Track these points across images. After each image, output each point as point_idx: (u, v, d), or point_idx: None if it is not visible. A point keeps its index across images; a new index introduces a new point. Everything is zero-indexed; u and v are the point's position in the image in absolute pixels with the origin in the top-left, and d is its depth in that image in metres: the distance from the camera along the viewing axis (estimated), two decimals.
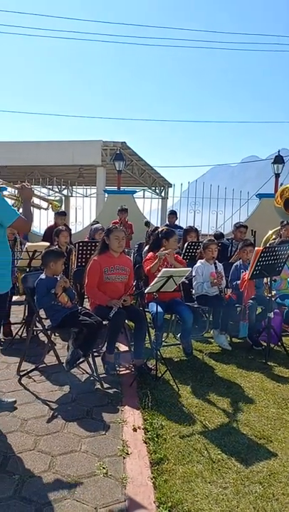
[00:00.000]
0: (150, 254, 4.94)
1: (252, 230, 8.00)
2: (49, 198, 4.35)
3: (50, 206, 4.05)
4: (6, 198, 3.33)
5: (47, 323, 4.10)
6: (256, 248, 4.98)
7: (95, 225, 7.12)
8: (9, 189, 4.00)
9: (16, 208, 3.46)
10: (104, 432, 3.08)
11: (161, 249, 4.85)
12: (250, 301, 5.07)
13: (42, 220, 11.27)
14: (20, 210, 3.38)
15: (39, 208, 3.88)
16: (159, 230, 5.24)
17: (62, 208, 6.98)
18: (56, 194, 20.36)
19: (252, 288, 5.18)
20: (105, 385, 3.90)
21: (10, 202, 3.52)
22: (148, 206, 15.93)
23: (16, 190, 3.55)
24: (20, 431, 3.05)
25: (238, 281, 5.33)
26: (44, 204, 4.00)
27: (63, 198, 19.81)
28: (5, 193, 3.92)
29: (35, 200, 3.56)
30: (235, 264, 5.62)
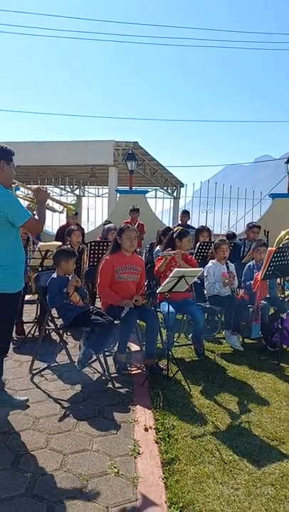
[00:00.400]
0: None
1: (265, 230, 7.95)
2: (65, 201, 4.36)
3: (64, 210, 4.06)
4: (19, 199, 3.37)
5: (59, 322, 4.12)
6: (269, 248, 4.94)
7: (108, 225, 7.13)
8: (22, 189, 4.02)
9: (29, 209, 3.49)
10: (115, 432, 3.08)
11: (167, 250, 4.87)
12: (263, 301, 5.04)
13: (54, 219, 11.34)
14: (34, 212, 3.40)
15: (54, 210, 3.91)
16: (174, 230, 5.24)
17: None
18: (69, 194, 20.44)
19: (265, 288, 5.14)
20: (117, 385, 3.91)
21: (23, 203, 3.56)
22: (160, 206, 15.94)
23: (30, 192, 3.58)
24: (32, 429, 3.07)
25: (251, 282, 5.30)
26: (58, 207, 4.03)
27: (77, 200, 19.89)
28: (19, 193, 3.95)
29: (50, 203, 3.57)
30: (248, 264, 5.59)
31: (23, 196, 3.78)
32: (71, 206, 4.05)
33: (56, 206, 3.91)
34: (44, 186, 3.45)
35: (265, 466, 2.72)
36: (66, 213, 6.25)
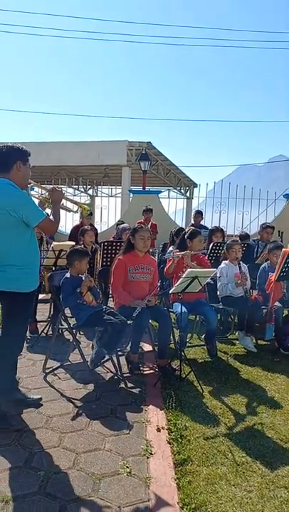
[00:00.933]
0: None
1: (279, 231, 7.88)
2: (79, 202, 4.38)
3: (79, 210, 4.07)
4: (34, 199, 3.38)
5: (72, 321, 4.14)
6: (283, 250, 4.90)
7: (123, 225, 7.15)
8: (36, 189, 4.05)
9: (45, 208, 3.50)
10: (128, 431, 3.09)
11: (175, 251, 4.88)
12: (277, 303, 5.00)
13: (68, 219, 11.41)
14: (49, 211, 3.42)
15: (69, 210, 3.93)
16: (186, 230, 5.23)
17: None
18: (82, 194, 20.49)
19: (279, 290, 5.10)
20: (129, 385, 3.91)
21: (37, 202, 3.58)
22: (173, 206, 15.94)
23: (46, 192, 3.60)
24: (45, 427, 3.09)
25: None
26: (72, 207, 4.03)
27: (91, 200, 19.95)
28: (33, 193, 3.97)
29: (65, 203, 3.58)
30: (262, 266, 5.54)
31: (38, 196, 3.79)
32: (85, 206, 4.04)
33: (71, 206, 3.92)
34: (59, 186, 3.46)
35: (278, 469, 2.70)
36: (81, 213, 6.28)
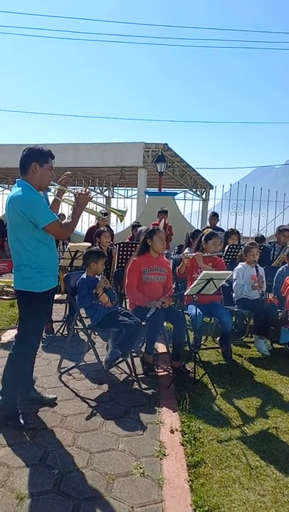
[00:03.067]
0: None
1: None
2: (111, 207, 4.09)
3: (109, 215, 3.88)
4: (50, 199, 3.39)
5: (87, 322, 4.17)
6: None
7: (142, 228, 7.15)
8: (53, 190, 4.03)
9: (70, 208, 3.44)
10: (141, 432, 3.10)
11: (186, 253, 4.88)
12: None
13: (84, 220, 11.50)
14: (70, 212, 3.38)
15: (94, 213, 3.85)
16: (204, 232, 5.23)
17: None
18: (98, 196, 20.58)
19: None
20: (143, 386, 3.93)
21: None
22: (189, 208, 15.94)
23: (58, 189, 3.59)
24: (60, 427, 3.12)
25: None
26: (98, 208, 3.91)
27: (127, 207, 20.00)
28: (49, 194, 3.96)
29: (95, 207, 3.49)
30: (280, 269, 5.49)
31: (62, 199, 3.62)
32: (119, 212, 3.62)
33: (94, 209, 3.81)
34: (86, 189, 3.36)
35: None
36: (99, 217, 6.25)
